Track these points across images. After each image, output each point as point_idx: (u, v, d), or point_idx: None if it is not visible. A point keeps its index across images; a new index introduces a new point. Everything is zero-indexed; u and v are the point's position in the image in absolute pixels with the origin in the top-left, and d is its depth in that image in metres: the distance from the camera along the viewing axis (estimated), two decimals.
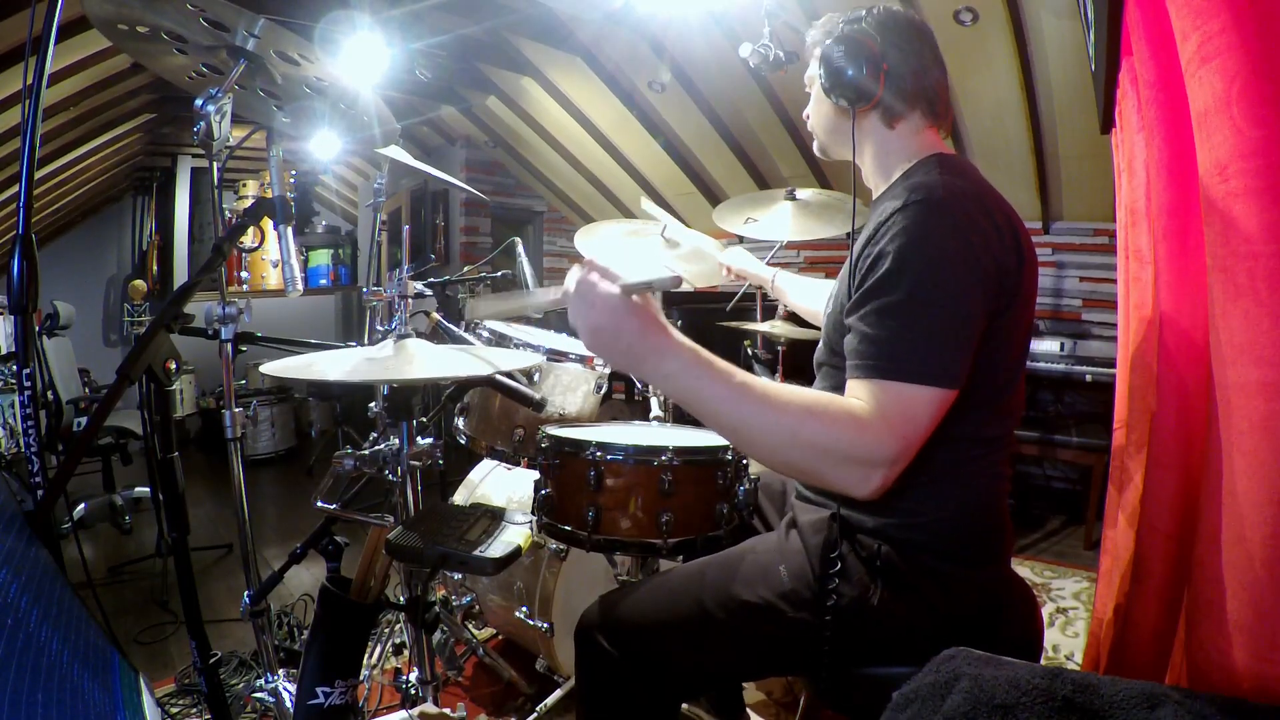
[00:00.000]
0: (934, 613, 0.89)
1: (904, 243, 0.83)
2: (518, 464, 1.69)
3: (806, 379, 1.10)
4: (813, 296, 1.49)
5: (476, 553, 1.03)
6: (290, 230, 1.21)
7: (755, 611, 0.92)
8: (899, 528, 0.90)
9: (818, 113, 1.07)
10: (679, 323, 2.11)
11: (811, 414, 0.78)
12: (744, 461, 1.18)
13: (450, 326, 1.59)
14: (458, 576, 1.91)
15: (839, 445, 0.78)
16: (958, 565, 0.90)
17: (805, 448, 0.78)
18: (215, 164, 1.23)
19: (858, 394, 0.82)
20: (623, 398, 3.58)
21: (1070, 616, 2.24)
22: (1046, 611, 2.27)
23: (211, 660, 1.11)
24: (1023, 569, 2.61)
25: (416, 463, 1.28)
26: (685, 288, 1.63)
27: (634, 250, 1.82)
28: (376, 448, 1.28)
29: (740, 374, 0.80)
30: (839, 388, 0.98)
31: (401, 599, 1.31)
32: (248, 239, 1.20)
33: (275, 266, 5.98)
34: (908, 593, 0.89)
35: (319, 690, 1.18)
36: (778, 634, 0.92)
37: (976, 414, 0.91)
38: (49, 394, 2.83)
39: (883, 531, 0.91)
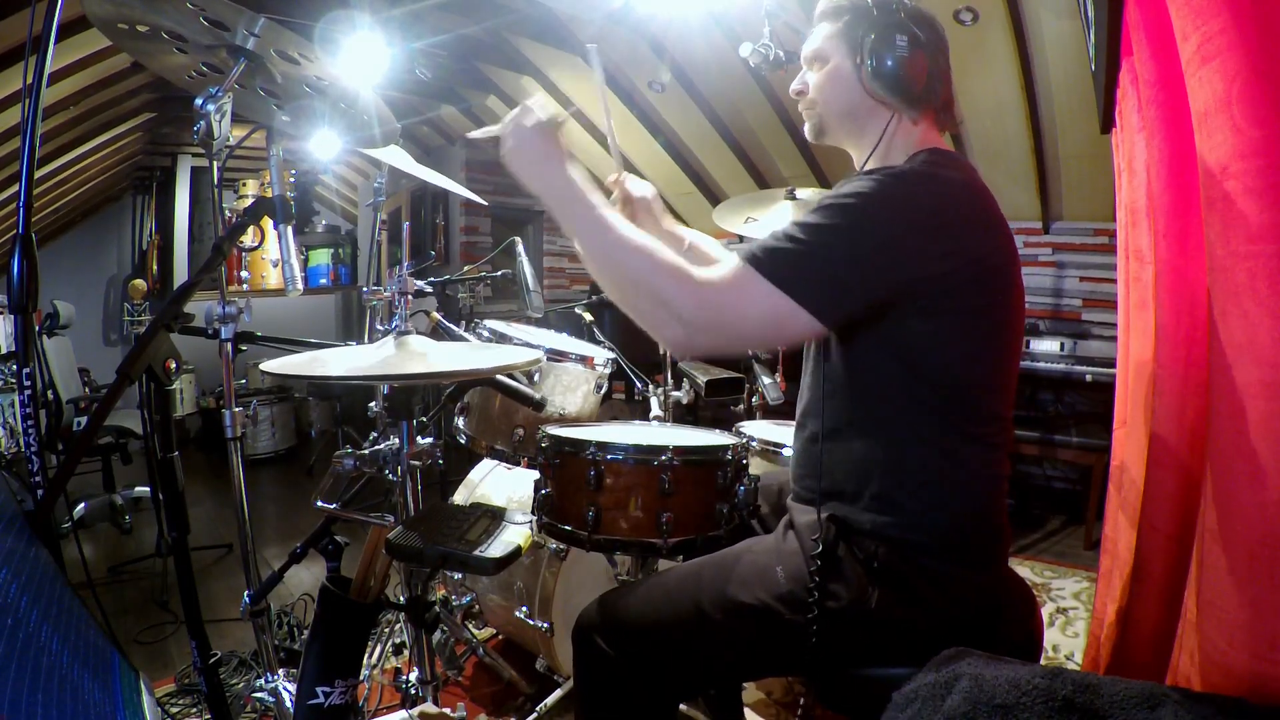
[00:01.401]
0: (932, 614, 0.89)
1: (853, 190, 0.87)
2: (518, 464, 1.69)
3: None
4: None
5: (477, 553, 1.03)
6: (290, 230, 1.21)
7: (752, 613, 0.92)
8: (897, 528, 0.90)
9: (833, 92, 1.01)
10: None
11: (648, 254, 0.87)
12: (744, 462, 1.18)
13: (450, 326, 1.59)
14: (458, 576, 1.91)
15: (658, 287, 0.86)
16: (956, 566, 0.90)
17: (635, 279, 0.88)
18: (215, 163, 1.23)
19: (727, 263, 0.87)
20: (623, 398, 3.58)
21: (1070, 616, 2.24)
22: (1046, 611, 2.27)
23: (211, 660, 1.11)
24: (1023, 569, 2.61)
25: (416, 462, 1.28)
26: None
27: None
28: (376, 447, 1.28)
29: (606, 210, 0.91)
30: (823, 397, 0.99)
31: (401, 599, 1.31)
32: (248, 238, 1.20)
33: (275, 266, 5.97)
34: (906, 594, 0.89)
35: (319, 690, 1.18)
36: (774, 636, 0.92)
37: (971, 414, 0.91)
38: (49, 394, 2.83)
39: (880, 533, 0.91)
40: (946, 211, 0.87)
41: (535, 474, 1.22)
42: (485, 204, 2.66)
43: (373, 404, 1.60)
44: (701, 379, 1.95)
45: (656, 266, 0.86)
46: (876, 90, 0.97)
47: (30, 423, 1.16)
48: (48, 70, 1.16)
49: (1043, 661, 0.91)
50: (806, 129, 1.08)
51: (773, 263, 0.84)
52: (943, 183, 0.89)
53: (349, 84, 1.22)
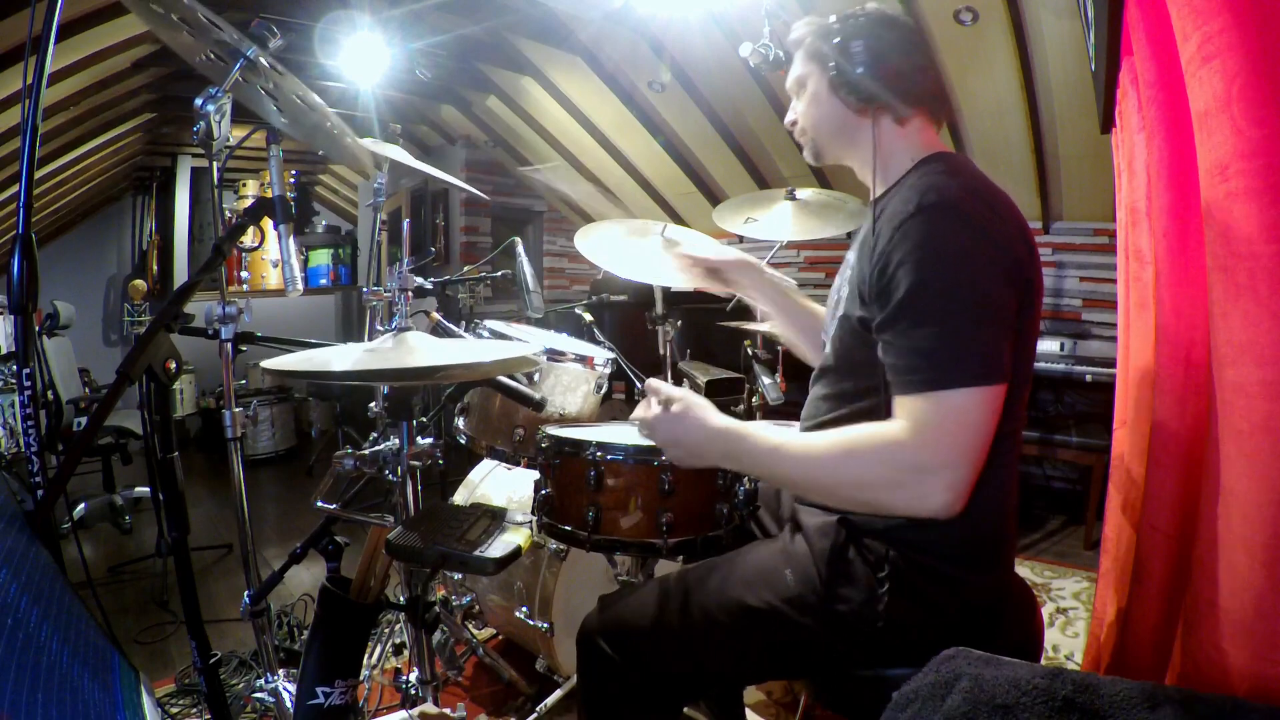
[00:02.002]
0: (941, 618, 0.88)
1: (923, 250, 0.83)
2: (518, 464, 1.69)
3: (806, 378, 1.10)
4: (805, 324, 1.29)
5: (476, 553, 1.03)
6: (290, 230, 1.21)
7: (759, 616, 0.91)
8: (909, 529, 0.89)
9: (817, 114, 1.03)
10: (679, 323, 2.12)
11: (848, 453, 0.84)
12: None
13: (450, 326, 1.59)
14: (458, 576, 1.91)
15: (883, 472, 0.81)
16: (965, 570, 0.89)
17: (855, 485, 0.84)
18: (215, 164, 1.23)
19: (900, 411, 0.83)
20: (623, 398, 3.58)
21: (1070, 616, 2.24)
22: (1046, 611, 2.27)
23: (211, 660, 1.11)
24: (1023, 569, 2.61)
25: (416, 463, 1.28)
26: (686, 287, 1.63)
27: (634, 250, 1.81)
28: (376, 448, 1.28)
29: (778, 437, 0.88)
30: (842, 396, 0.98)
31: (401, 599, 1.31)
32: (248, 239, 1.20)
33: (275, 266, 5.98)
34: (914, 597, 0.88)
35: (319, 690, 1.18)
36: (782, 639, 0.92)
37: None
38: (49, 394, 2.83)
39: (890, 535, 0.90)
40: (999, 228, 0.86)
41: (535, 474, 1.22)
42: (487, 201, 2.67)
43: (373, 404, 1.60)
44: (701, 379, 1.95)
45: (868, 455, 0.82)
46: (850, 99, 0.97)
47: (30, 423, 1.16)
48: (48, 70, 1.16)
49: (1043, 661, 0.91)
50: (805, 155, 1.09)
51: (937, 373, 0.80)
52: (983, 208, 0.87)
53: (330, 114, 1.22)
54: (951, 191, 0.86)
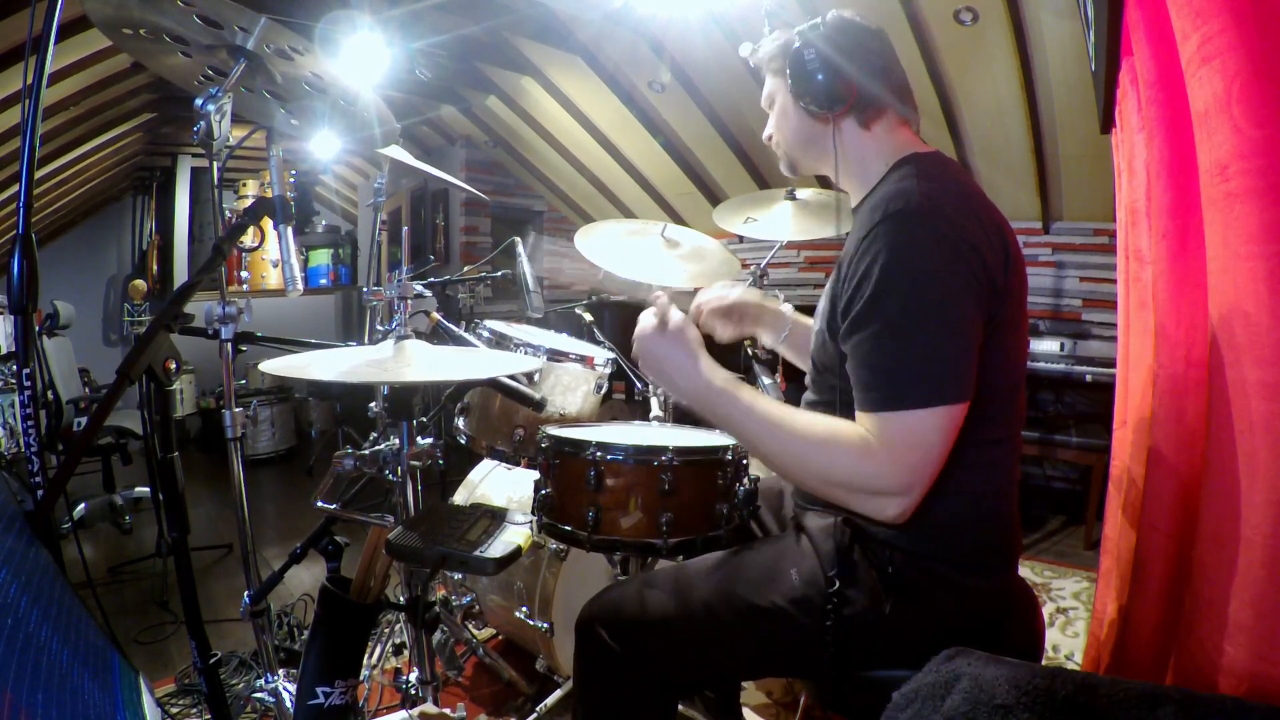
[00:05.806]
0: (945, 621, 0.88)
1: (886, 260, 0.82)
2: (518, 464, 1.69)
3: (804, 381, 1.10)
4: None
5: (476, 553, 1.03)
6: (290, 230, 1.21)
7: (764, 615, 0.91)
8: (911, 535, 0.88)
9: (786, 126, 1.04)
10: None
11: (823, 444, 0.86)
12: (744, 461, 1.18)
13: (450, 326, 1.59)
14: (458, 576, 1.91)
15: (847, 476, 0.84)
16: (969, 575, 0.89)
17: (817, 475, 0.87)
18: (215, 164, 1.23)
19: (866, 425, 0.84)
20: (623, 398, 3.58)
21: (1070, 616, 2.24)
22: (1046, 611, 2.27)
23: (211, 660, 1.11)
24: (1023, 569, 2.59)
25: (416, 463, 1.28)
26: (685, 287, 1.63)
27: (634, 250, 1.81)
28: (376, 448, 1.28)
29: (764, 402, 0.90)
30: (825, 405, 0.99)
31: (401, 599, 1.31)
32: (248, 239, 1.20)
33: (275, 266, 5.97)
34: (920, 601, 0.88)
35: (319, 690, 1.18)
36: (785, 638, 0.92)
37: (984, 419, 0.90)
38: (49, 394, 2.83)
39: (894, 540, 0.90)
40: (968, 235, 0.84)
41: (535, 474, 1.22)
42: (487, 201, 2.67)
43: (373, 404, 1.60)
44: None
45: (839, 455, 0.84)
46: (810, 108, 0.98)
47: (30, 423, 1.16)
48: (48, 70, 1.16)
49: (1043, 661, 0.91)
50: (781, 167, 1.10)
51: (899, 392, 0.81)
52: (952, 213, 0.86)
53: (347, 82, 1.22)
54: (918, 197, 0.85)
